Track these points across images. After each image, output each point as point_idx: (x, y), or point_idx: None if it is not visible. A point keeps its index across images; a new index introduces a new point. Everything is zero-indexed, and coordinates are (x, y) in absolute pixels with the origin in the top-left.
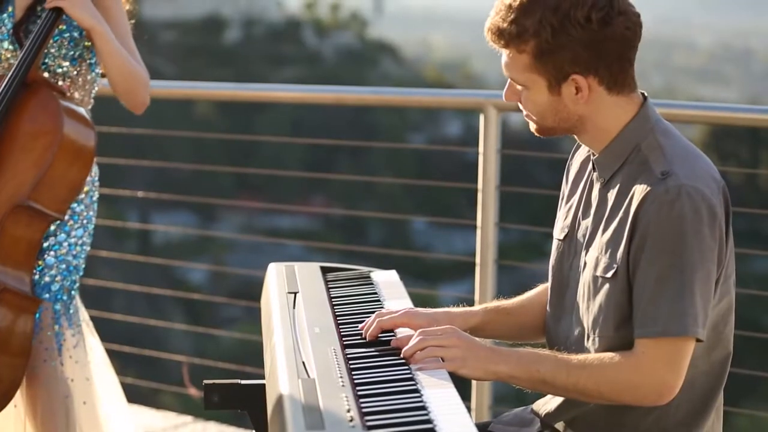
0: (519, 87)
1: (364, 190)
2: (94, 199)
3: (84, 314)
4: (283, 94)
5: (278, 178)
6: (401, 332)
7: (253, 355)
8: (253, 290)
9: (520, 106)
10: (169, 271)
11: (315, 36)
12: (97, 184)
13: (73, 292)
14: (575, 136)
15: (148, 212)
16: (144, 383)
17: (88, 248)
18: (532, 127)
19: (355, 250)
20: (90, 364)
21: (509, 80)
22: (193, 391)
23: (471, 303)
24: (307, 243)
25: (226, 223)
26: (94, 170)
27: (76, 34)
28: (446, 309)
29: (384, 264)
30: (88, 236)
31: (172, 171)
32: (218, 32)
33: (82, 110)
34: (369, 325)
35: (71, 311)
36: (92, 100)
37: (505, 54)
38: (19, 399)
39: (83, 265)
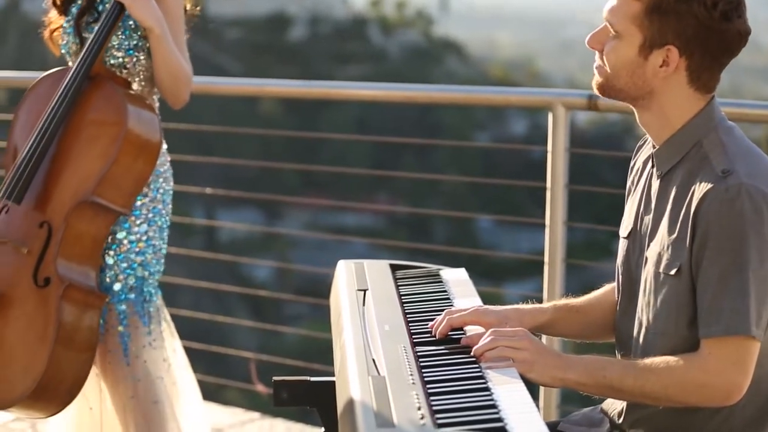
0: (611, 34)
1: (430, 188)
2: (161, 191)
3: (165, 313)
4: (350, 91)
5: (344, 175)
6: (471, 330)
7: (318, 352)
8: (318, 287)
9: (596, 57)
10: (234, 268)
11: (380, 34)
12: (167, 176)
13: (146, 290)
14: (635, 111)
15: (214, 209)
16: (212, 379)
17: (160, 243)
18: (596, 81)
19: (421, 248)
20: (163, 363)
21: (603, 24)
22: (261, 388)
23: (538, 301)
24: (372, 241)
25: (292, 221)
26: (159, 161)
27: (130, 23)
28: (516, 306)
29: (449, 262)
30: (155, 231)
31: (238, 168)
32: (284, 30)
33: (148, 102)
34: (439, 323)
35: (151, 309)
36: (156, 90)
37: None
38: (94, 402)
39: (155, 261)
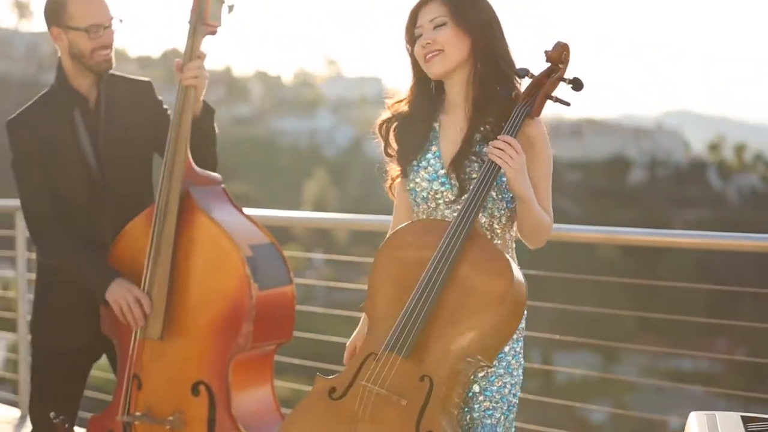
0: None
1: None
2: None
3: None
4: (689, 240)
5: (681, 320)
6: None
7: None
8: None
9: None
10: (570, 411)
11: (719, 178)
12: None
13: (507, 424)
14: None
15: (551, 352)
16: None
17: (514, 380)
18: None
19: (759, 397)
20: None
21: None
22: None
23: None
24: (708, 388)
25: (629, 365)
26: None
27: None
28: None
29: None
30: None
31: (575, 312)
32: (623, 173)
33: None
34: None
35: None
36: (515, 230)
37: None
38: None
39: (514, 401)
